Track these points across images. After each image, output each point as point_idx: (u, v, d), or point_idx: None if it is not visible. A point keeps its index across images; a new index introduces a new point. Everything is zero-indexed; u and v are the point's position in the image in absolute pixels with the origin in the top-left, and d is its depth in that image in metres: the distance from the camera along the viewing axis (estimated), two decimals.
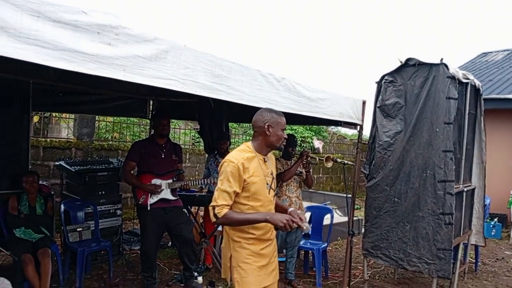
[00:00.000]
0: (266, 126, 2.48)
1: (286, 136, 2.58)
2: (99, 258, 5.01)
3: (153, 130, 4.45)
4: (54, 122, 9.47)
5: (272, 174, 2.60)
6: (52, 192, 4.41)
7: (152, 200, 4.07)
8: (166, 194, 4.16)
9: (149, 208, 4.04)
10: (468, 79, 4.29)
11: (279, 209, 2.69)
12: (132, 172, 4.22)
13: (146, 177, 4.11)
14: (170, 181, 4.20)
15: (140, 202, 4.06)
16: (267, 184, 2.53)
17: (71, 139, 7.73)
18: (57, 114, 8.68)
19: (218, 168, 2.51)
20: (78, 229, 4.57)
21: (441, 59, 3.89)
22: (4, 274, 3.86)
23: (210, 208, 2.39)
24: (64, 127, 9.01)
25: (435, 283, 4.07)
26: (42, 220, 4.17)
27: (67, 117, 8.53)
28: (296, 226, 2.35)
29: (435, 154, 3.89)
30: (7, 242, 4.00)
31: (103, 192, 5.18)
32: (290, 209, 2.61)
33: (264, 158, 2.55)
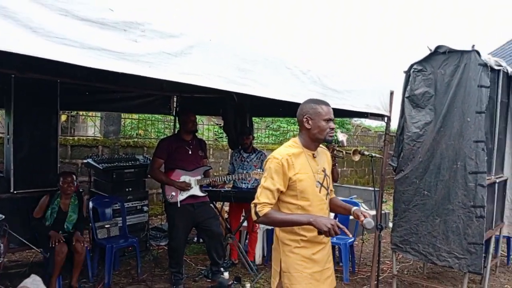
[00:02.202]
0: (305, 119, 2.33)
1: (332, 126, 2.33)
2: (126, 254, 5.08)
3: (178, 127, 4.47)
4: (81, 121, 9.66)
5: (324, 171, 2.41)
6: (81, 190, 4.48)
7: (181, 197, 4.09)
8: (195, 190, 4.18)
9: (179, 205, 4.06)
10: (500, 66, 4.13)
11: (340, 209, 2.51)
12: (160, 169, 4.25)
13: (175, 173, 4.13)
14: (199, 177, 4.23)
15: (170, 199, 4.08)
16: (317, 181, 2.34)
17: (97, 137, 7.86)
18: (84, 112, 8.83)
19: (263, 165, 2.40)
20: (106, 226, 4.64)
21: (473, 46, 3.75)
22: (35, 271, 3.98)
23: (252, 205, 2.27)
24: (91, 126, 9.17)
25: (467, 278, 3.96)
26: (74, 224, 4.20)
27: (94, 115, 8.68)
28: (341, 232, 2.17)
29: (466, 145, 3.77)
30: (38, 235, 4.06)
31: (130, 189, 5.25)
32: (354, 208, 2.41)
33: (313, 154, 2.37)
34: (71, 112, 8.17)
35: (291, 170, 2.25)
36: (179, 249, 4.17)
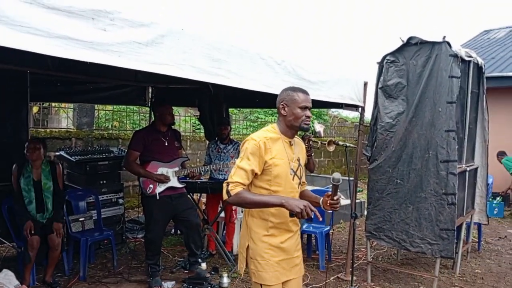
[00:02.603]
0: (281, 106, 2.31)
1: (308, 114, 2.29)
2: (102, 247, 5.02)
3: (153, 118, 4.40)
4: (54, 112, 9.42)
5: (299, 160, 2.39)
6: (54, 160, 4.26)
7: (160, 189, 4.05)
8: (174, 182, 4.14)
9: (158, 197, 4.03)
10: (471, 57, 4.23)
11: (311, 201, 2.33)
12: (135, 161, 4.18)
13: (151, 165, 4.08)
14: (177, 169, 4.19)
15: (148, 192, 4.04)
16: (291, 169, 2.32)
17: (71, 129, 7.69)
18: (56, 104, 8.62)
19: (240, 147, 2.35)
20: (80, 219, 4.56)
21: (444, 37, 3.83)
22: (8, 265, 3.89)
23: (224, 184, 2.22)
24: (64, 117, 8.97)
25: (438, 263, 4.08)
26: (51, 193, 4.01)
27: (66, 107, 8.48)
28: (313, 214, 2.14)
29: (438, 134, 3.86)
30: (19, 221, 3.94)
31: (105, 181, 5.16)
32: (322, 198, 2.38)
33: (290, 142, 2.35)
34: (42, 104, 7.97)
35: (267, 154, 2.23)
36: (157, 241, 4.15)
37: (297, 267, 2.43)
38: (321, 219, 2.28)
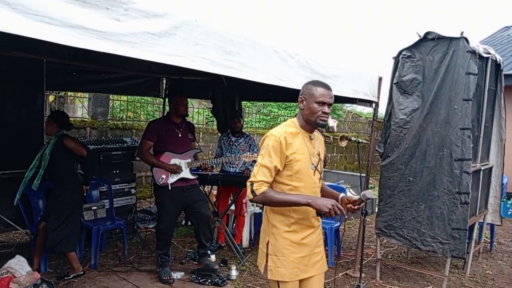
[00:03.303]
0: (300, 99, 2.27)
1: (325, 110, 2.21)
2: (114, 236, 5.09)
3: (168, 109, 4.43)
4: (70, 102, 9.53)
5: (319, 155, 2.36)
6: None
7: (172, 179, 4.08)
8: (186, 173, 4.16)
9: (170, 188, 4.06)
10: (489, 53, 4.14)
11: (329, 196, 2.41)
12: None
13: (164, 156, 4.11)
14: (189, 160, 4.21)
15: (160, 182, 4.07)
16: (312, 164, 2.28)
17: (85, 118, 7.79)
18: (72, 93, 8.72)
19: (260, 143, 2.32)
20: (93, 208, 4.63)
21: (461, 33, 3.75)
22: (20, 251, 3.97)
23: (248, 183, 2.18)
24: (80, 107, 9.07)
25: (449, 262, 4.03)
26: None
27: (82, 96, 8.58)
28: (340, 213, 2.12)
29: (453, 132, 3.80)
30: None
31: (118, 171, 5.23)
32: (342, 195, 2.37)
33: (310, 136, 2.31)
34: (58, 93, 8.06)
35: (289, 149, 2.19)
36: (168, 232, 4.18)
37: (319, 263, 2.36)
38: (346, 216, 2.27)
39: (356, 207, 2.25)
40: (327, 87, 2.26)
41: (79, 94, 8.62)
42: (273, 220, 2.29)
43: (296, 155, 2.21)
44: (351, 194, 7.19)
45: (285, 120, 2.46)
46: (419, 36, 3.99)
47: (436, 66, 3.91)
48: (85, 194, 4.18)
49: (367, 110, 16.08)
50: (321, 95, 2.21)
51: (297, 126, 2.29)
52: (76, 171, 4.23)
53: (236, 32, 2.78)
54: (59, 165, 3.94)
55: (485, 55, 4.07)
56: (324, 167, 4.25)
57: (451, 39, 3.82)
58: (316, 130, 2.40)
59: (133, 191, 5.38)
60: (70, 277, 3.91)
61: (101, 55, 2.11)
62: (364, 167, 4.83)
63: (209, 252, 4.46)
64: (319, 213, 2.14)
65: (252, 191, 2.16)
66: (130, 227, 5.29)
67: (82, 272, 3.99)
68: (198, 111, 10.93)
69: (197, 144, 4.59)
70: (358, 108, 16.94)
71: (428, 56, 3.96)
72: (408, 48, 4.08)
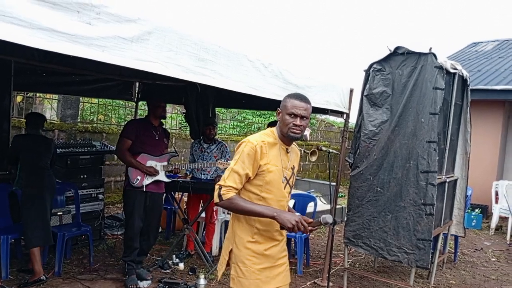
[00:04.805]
0: (277, 111, 2.29)
1: (296, 123, 2.18)
2: (79, 243, 4.96)
3: (141, 113, 4.40)
4: (38, 102, 9.27)
5: (292, 169, 2.35)
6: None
7: (147, 181, 4.06)
8: (162, 176, 4.17)
9: (144, 189, 4.04)
10: (456, 69, 4.29)
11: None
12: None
13: (141, 157, 4.08)
14: (165, 163, 4.22)
15: (135, 183, 4.02)
16: (284, 177, 2.27)
17: (54, 120, 7.58)
18: (41, 94, 8.49)
19: (236, 148, 2.29)
20: (58, 213, 4.51)
21: (430, 48, 3.87)
22: None
23: (217, 186, 2.17)
24: (48, 108, 8.83)
25: (414, 272, 4.12)
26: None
27: (51, 97, 8.36)
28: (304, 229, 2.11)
29: (419, 145, 3.90)
30: None
31: (85, 176, 5.11)
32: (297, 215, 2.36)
33: (286, 149, 2.30)
34: (27, 93, 7.84)
35: (263, 158, 2.18)
36: (137, 238, 4.12)
37: (282, 274, 2.35)
38: (309, 234, 2.25)
39: (310, 228, 2.18)
40: (302, 99, 2.24)
41: (48, 95, 8.39)
42: (237, 230, 2.29)
43: (270, 166, 2.20)
44: (322, 202, 7.27)
45: (259, 128, 2.47)
46: (390, 50, 4.10)
47: (405, 80, 4.01)
48: None
49: (340, 120, 16.31)
50: (292, 106, 2.20)
51: (276, 137, 2.29)
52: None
53: (210, 39, 2.78)
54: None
55: (452, 71, 4.21)
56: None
57: (420, 54, 3.94)
58: (294, 143, 2.39)
59: (101, 196, 5.26)
60: (29, 283, 3.79)
61: (71, 57, 2.07)
62: (335, 176, 4.90)
63: (177, 260, 4.41)
64: (282, 227, 2.14)
65: (219, 195, 2.15)
66: (97, 234, 5.17)
67: (44, 278, 3.87)
68: (172, 116, 10.83)
69: (172, 149, 4.59)
70: (331, 118, 17.18)
71: (397, 70, 4.07)
72: (379, 62, 4.19)
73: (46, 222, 3.99)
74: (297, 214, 2.23)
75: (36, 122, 4.14)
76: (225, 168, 4.66)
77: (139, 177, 4.03)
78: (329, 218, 2.15)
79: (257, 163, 2.17)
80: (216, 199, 2.18)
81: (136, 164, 4.03)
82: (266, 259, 2.27)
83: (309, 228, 2.17)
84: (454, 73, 4.32)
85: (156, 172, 4.10)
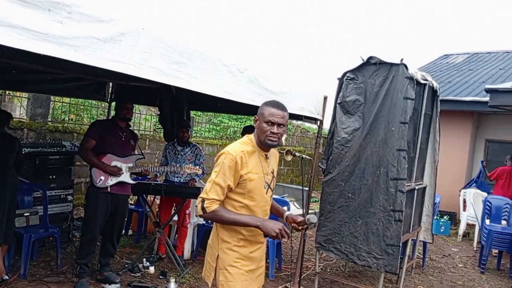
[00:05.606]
0: (254, 119, 2.31)
1: (273, 130, 2.22)
2: (47, 245, 4.83)
3: (113, 113, 4.35)
4: (8, 100, 9.00)
5: (272, 172, 2.41)
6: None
7: (111, 182, 3.99)
8: (126, 177, 4.10)
9: (109, 189, 3.97)
10: (426, 80, 4.40)
11: (274, 211, 2.52)
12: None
13: (106, 158, 4.02)
14: (131, 164, 4.15)
15: (98, 183, 3.95)
16: (266, 183, 2.33)
17: (23, 119, 7.38)
18: (10, 92, 8.25)
19: (215, 159, 2.31)
20: (25, 214, 4.38)
21: (401, 59, 3.97)
22: None
23: (199, 199, 2.21)
24: (18, 106, 8.58)
25: (383, 277, 4.19)
26: None
27: (21, 95, 8.13)
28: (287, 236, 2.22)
29: (389, 152, 3.99)
30: None
31: (54, 177, 4.99)
32: (287, 213, 2.46)
33: (266, 155, 2.34)
34: None
35: (244, 168, 2.21)
36: (95, 240, 4.06)
37: (261, 276, 2.46)
38: (290, 238, 2.35)
39: (300, 227, 2.36)
40: (279, 107, 2.27)
41: (18, 93, 8.16)
42: (223, 235, 2.32)
43: (251, 174, 2.25)
44: (295, 207, 7.32)
45: (235, 131, 2.49)
46: (363, 60, 4.19)
47: (377, 89, 4.11)
48: None
49: (315, 126, 16.48)
50: (269, 114, 2.23)
51: (254, 144, 2.32)
52: None
53: (185, 42, 2.78)
54: None
55: (422, 82, 4.32)
56: None
57: (391, 64, 4.04)
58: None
59: (70, 198, 5.15)
60: None
61: (43, 55, 2.04)
62: (308, 181, 4.95)
63: (147, 263, 4.35)
64: (266, 235, 2.23)
65: (203, 208, 2.20)
66: (65, 236, 5.05)
67: (6, 277, 3.76)
68: (146, 118, 10.70)
69: (139, 151, 4.51)
70: (307, 124, 17.34)
71: (370, 80, 4.15)
72: (352, 71, 4.27)
73: (6, 222, 3.85)
74: (279, 222, 2.29)
75: (2, 119, 4.02)
76: (193, 173, 4.66)
77: (102, 177, 3.96)
78: (313, 218, 2.28)
79: (238, 174, 2.21)
80: (199, 211, 2.22)
81: (99, 164, 3.97)
82: (251, 262, 2.35)
83: (299, 227, 2.33)
84: (425, 84, 4.43)
85: (119, 172, 4.02)
